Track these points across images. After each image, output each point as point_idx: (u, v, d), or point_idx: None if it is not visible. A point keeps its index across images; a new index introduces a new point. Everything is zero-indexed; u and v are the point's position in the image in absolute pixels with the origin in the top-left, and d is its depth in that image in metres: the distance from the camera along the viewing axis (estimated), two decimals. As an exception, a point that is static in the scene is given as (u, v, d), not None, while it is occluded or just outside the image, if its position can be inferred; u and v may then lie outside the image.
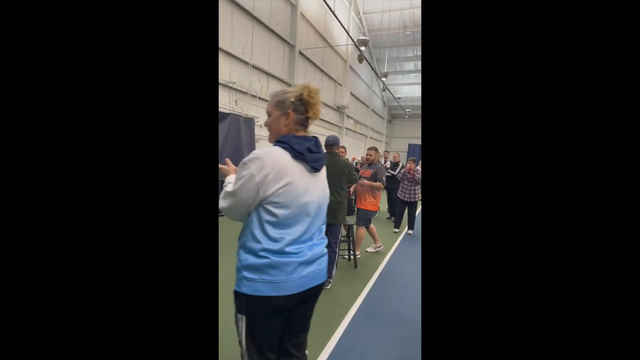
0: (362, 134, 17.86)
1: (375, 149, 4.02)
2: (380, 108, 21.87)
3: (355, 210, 4.38)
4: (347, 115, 14.82)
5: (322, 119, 12.09)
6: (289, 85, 9.71)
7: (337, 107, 13.58)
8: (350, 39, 8.65)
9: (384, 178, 3.88)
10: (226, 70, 7.18)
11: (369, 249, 4.37)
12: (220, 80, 6.94)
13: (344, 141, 14.66)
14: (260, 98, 8.28)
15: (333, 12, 6.79)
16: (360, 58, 9.74)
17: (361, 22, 9.02)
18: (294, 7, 9.62)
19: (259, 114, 8.21)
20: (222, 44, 6.86)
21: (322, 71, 11.91)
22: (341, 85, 13.66)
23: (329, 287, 3.02)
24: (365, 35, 10.19)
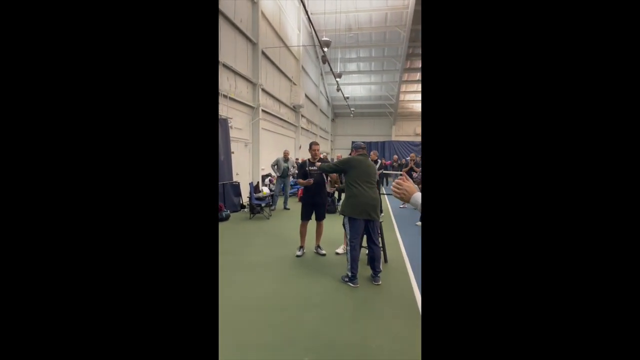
0: (313, 133, 18.17)
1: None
2: (325, 107, 22.46)
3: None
4: (301, 115, 14.94)
5: (280, 119, 12.02)
6: (254, 84, 9.46)
7: (294, 106, 13.62)
8: (317, 39, 8.80)
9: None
10: (198, 69, 6.73)
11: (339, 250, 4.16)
12: (193, 79, 6.48)
13: (300, 140, 14.77)
14: (230, 98, 7.94)
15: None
16: (324, 59, 9.97)
17: (310, 23, 9.21)
18: (254, 4, 9.37)
19: (231, 114, 7.87)
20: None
21: (280, 70, 11.83)
22: (295, 84, 13.73)
23: (379, 283, 3.19)
24: (316, 36, 10.44)
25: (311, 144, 4.18)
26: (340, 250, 4.13)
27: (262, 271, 3.47)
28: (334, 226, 4.04)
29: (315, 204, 3.97)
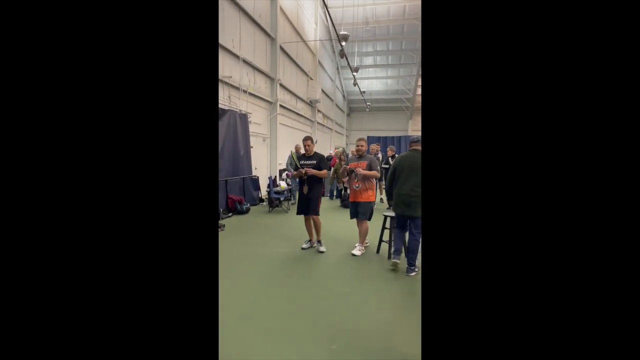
0: (328, 128, 18.16)
1: (364, 140, 4.05)
2: (341, 102, 22.37)
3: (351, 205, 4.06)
4: (317, 110, 14.96)
5: (297, 114, 12.08)
6: (273, 79, 9.54)
7: (310, 101, 13.64)
8: (335, 33, 8.77)
9: (379, 168, 3.89)
10: (219, 64, 6.85)
11: (354, 252, 3.87)
12: (214, 75, 6.60)
13: (316, 135, 14.82)
14: (249, 93, 8.05)
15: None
16: (342, 53, 9.93)
17: (328, 16, 9.16)
18: (273, 0, 9.41)
19: (250, 109, 7.99)
20: (214, 36, 6.52)
21: (297, 65, 11.85)
22: (312, 79, 13.73)
23: (412, 275, 3.22)
24: (334, 30, 10.42)
25: (304, 139, 4.03)
26: (356, 252, 3.85)
27: (284, 263, 3.56)
28: (350, 225, 4.06)
29: (307, 198, 3.90)
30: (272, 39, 9.47)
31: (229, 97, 7.24)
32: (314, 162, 3.88)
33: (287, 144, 10.67)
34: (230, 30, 7.21)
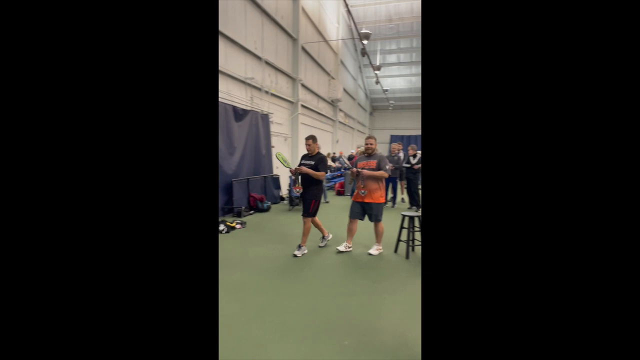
0: (350, 127, 18.11)
1: (374, 138, 3.89)
2: (364, 100, 22.22)
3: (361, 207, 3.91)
4: (339, 109, 14.96)
5: (319, 113, 12.15)
6: (294, 79, 9.66)
7: (332, 100, 13.67)
8: (356, 31, 8.75)
9: (387, 167, 3.71)
10: (242, 66, 7.04)
11: (371, 251, 3.85)
12: (237, 76, 6.79)
13: (337, 134, 14.82)
14: (271, 94, 8.20)
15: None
16: (364, 52, 9.88)
17: (349, 15, 9.12)
18: (295, 1, 9.53)
19: (272, 109, 8.14)
20: (237, 38, 6.71)
21: (319, 65, 11.92)
22: (334, 78, 13.75)
23: None
24: (355, 29, 10.38)
25: (305, 138, 3.89)
26: (373, 251, 3.81)
27: (301, 260, 3.62)
28: (367, 224, 4.02)
29: (302, 199, 3.82)
30: (294, 40, 9.59)
31: (252, 98, 7.42)
32: (312, 162, 3.75)
33: (309, 143, 10.74)
34: (253, 32, 7.38)
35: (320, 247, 4.05)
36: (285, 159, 4.04)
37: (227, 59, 6.49)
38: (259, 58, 7.63)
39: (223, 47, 6.33)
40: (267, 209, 6.59)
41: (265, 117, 7.49)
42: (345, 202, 4.21)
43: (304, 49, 10.19)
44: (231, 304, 2.52)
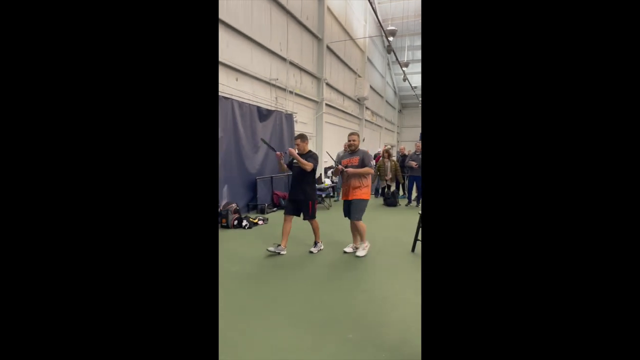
0: (377, 125, 17.91)
1: (357, 134, 3.74)
2: (392, 98, 21.85)
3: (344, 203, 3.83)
4: (365, 107, 14.86)
5: (344, 112, 12.15)
6: (319, 79, 9.76)
7: (358, 99, 13.62)
8: (382, 29, 8.66)
9: (372, 162, 3.56)
10: (267, 67, 7.25)
11: (358, 253, 3.66)
12: (262, 78, 7.01)
13: (364, 133, 14.73)
14: (296, 94, 8.36)
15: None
16: (389, 49, 9.76)
17: (375, 12, 9.01)
18: (320, 1, 9.61)
19: (296, 109, 8.30)
20: (262, 40, 6.92)
21: (345, 64, 11.93)
22: (360, 77, 13.68)
23: None
24: (381, 25, 10.26)
25: (295, 138, 3.75)
26: (360, 252, 3.65)
27: (316, 256, 3.71)
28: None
29: (291, 200, 3.71)
30: (319, 40, 9.68)
31: (276, 98, 7.62)
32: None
33: (334, 142, 10.82)
34: (278, 34, 7.57)
35: (311, 252, 3.78)
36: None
37: (253, 61, 6.72)
38: (283, 59, 7.81)
39: (249, 49, 6.57)
40: (367, 203, 6.69)
41: (289, 117, 7.66)
42: (372, 201, 4.15)
43: (329, 48, 10.25)
44: (246, 293, 2.67)
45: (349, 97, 12.81)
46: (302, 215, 3.72)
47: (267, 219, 5.47)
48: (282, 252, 3.64)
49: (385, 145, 11.40)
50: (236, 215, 5.05)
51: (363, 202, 3.60)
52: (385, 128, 19.58)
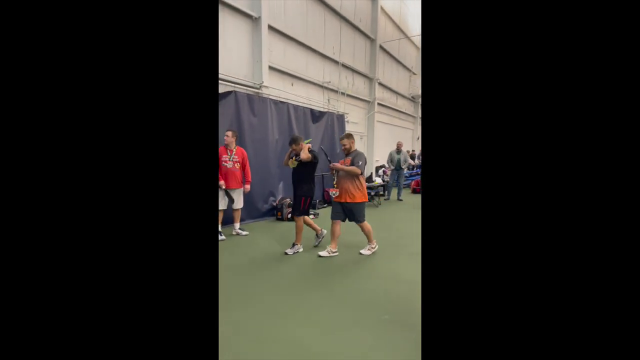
0: (433, 123, 17.28)
1: (348, 137, 3.64)
2: (450, 94, 20.83)
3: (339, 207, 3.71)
4: (420, 105, 14.52)
5: (397, 110, 12.07)
6: (371, 79, 9.91)
7: (412, 97, 13.39)
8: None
9: (360, 163, 3.46)
10: (320, 71, 7.66)
11: (363, 251, 3.71)
12: (315, 81, 7.44)
13: (418, 131, 14.41)
14: (348, 95, 8.65)
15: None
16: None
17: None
18: (374, 2, 9.74)
19: (347, 109, 8.59)
20: (316, 46, 7.33)
21: (398, 62, 11.85)
22: (415, 74, 13.42)
23: None
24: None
25: (289, 142, 3.80)
26: (365, 251, 3.67)
27: (359, 247, 3.98)
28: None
29: (294, 197, 3.84)
30: (372, 40, 9.82)
31: (328, 100, 8.00)
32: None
33: (386, 141, 10.86)
34: (332, 38, 7.93)
35: (315, 245, 3.89)
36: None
37: (308, 66, 7.18)
38: (336, 62, 8.15)
39: (304, 56, 7.04)
40: (365, 205, 7.03)
41: (340, 118, 7.98)
42: (419, 200, 4.18)
43: (382, 47, 10.32)
44: (296, 277, 3.07)
45: (403, 96, 12.68)
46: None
47: (318, 214, 5.88)
48: (299, 250, 3.79)
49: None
50: (290, 209, 5.55)
51: (361, 205, 3.59)
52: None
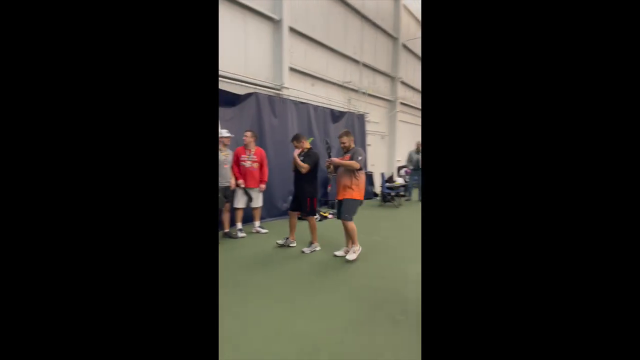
0: (459, 122, 16.79)
1: (346, 135, 3.57)
2: (477, 92, 20.15)
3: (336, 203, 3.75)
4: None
5: (417, 108, 11.85)
6: (393, 78, 9.79)
7: (436, 95, 13.08)
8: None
9: (360, 158, 3.37)
10: (341, 71, 7.68)
11: (338, 253, 3.61)
12: (336, 81, 7.46)
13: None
14: (369, 95, 8.60)
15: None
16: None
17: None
18: (396, 0, 9.63)
19: (368, 109, 8.55)
20: (337, 46, 7.35)
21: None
22: (439, 72, 13.10)
23: None
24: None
25: (291, 140, 3.85)
26: (350, 256, 3.46)
27: (375, 246, 3.97)
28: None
29: (299, 199, 3.84)
30: (394, 39, 9.70)
31: (349, 100, 8.00)
32: (302, 159, 3.79)
33: (408, 140, 10.70)
34: (353, 38, 7.92)
35: (303, 252, 3.76)
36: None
37: (328, 67, 7.22)
38: (357, 62, 8.13)
39: (325, 57, 7.08)
40: (360, 203, 7.06)
41: (361, 117, 7.96)
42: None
43: (405, 46, 10.17)
44: (313, 273, 3.12)
45: (426, 95, 12.42)
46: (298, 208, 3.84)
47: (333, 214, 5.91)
48: (291, 245, 3.94)
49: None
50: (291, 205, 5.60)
51: (354, 202, 3.44)
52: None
